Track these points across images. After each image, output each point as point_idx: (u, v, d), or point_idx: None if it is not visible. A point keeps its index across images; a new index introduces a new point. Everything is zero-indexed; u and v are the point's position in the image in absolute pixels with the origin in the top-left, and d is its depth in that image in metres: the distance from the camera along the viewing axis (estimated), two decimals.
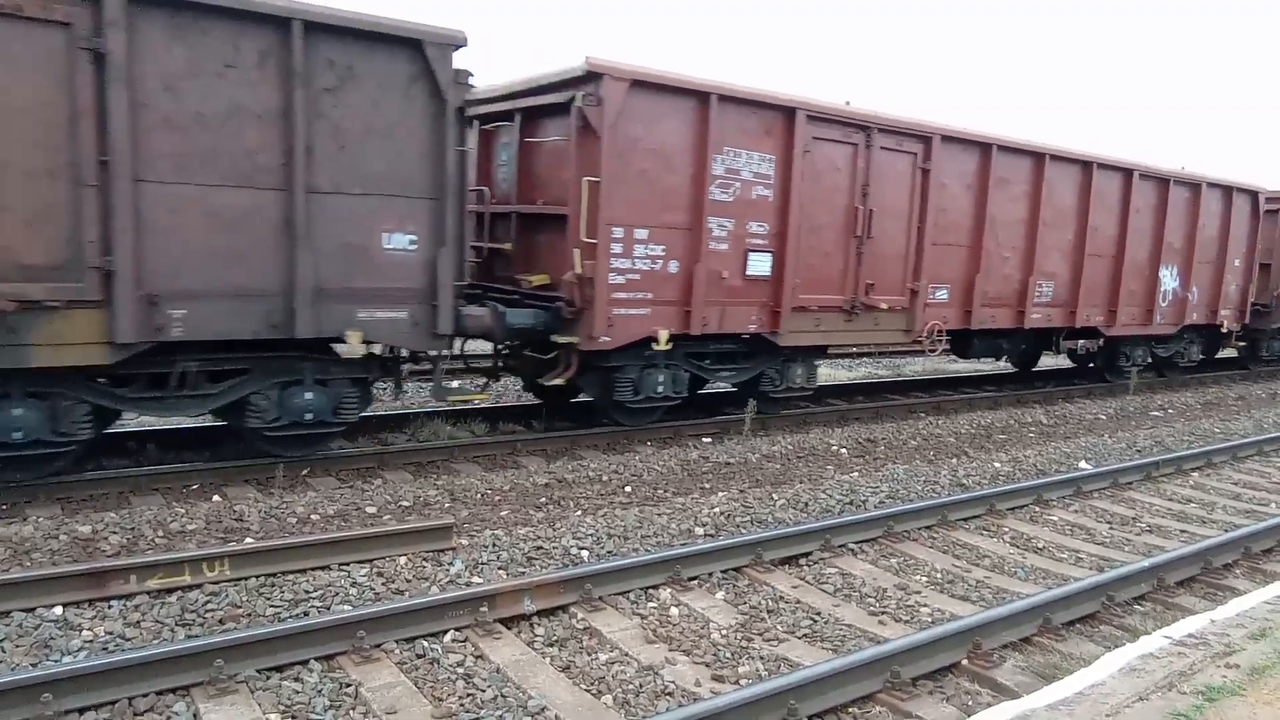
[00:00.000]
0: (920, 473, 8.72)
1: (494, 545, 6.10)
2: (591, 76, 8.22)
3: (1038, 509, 7.81)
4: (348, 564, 5.67)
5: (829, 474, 8.78)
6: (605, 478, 8.20)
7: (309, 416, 7.51)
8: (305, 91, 6.83)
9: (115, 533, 6.10)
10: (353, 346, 7.44)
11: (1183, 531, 7.43)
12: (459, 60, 7.46)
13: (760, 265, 9.69)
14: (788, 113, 9.56)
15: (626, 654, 4.78)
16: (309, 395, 7.49)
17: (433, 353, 8.06)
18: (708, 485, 8.23)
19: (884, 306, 10.87)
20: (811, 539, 6.40)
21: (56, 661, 4.33)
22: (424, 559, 5.85)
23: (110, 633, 4.66)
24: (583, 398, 10.25)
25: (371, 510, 6.96)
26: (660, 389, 9.44)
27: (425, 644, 4.71)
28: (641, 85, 8.44)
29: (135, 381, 7.04)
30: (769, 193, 9.58)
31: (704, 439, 9.98)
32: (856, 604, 5.62)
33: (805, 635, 5.14)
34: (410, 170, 7.40)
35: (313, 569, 5.56)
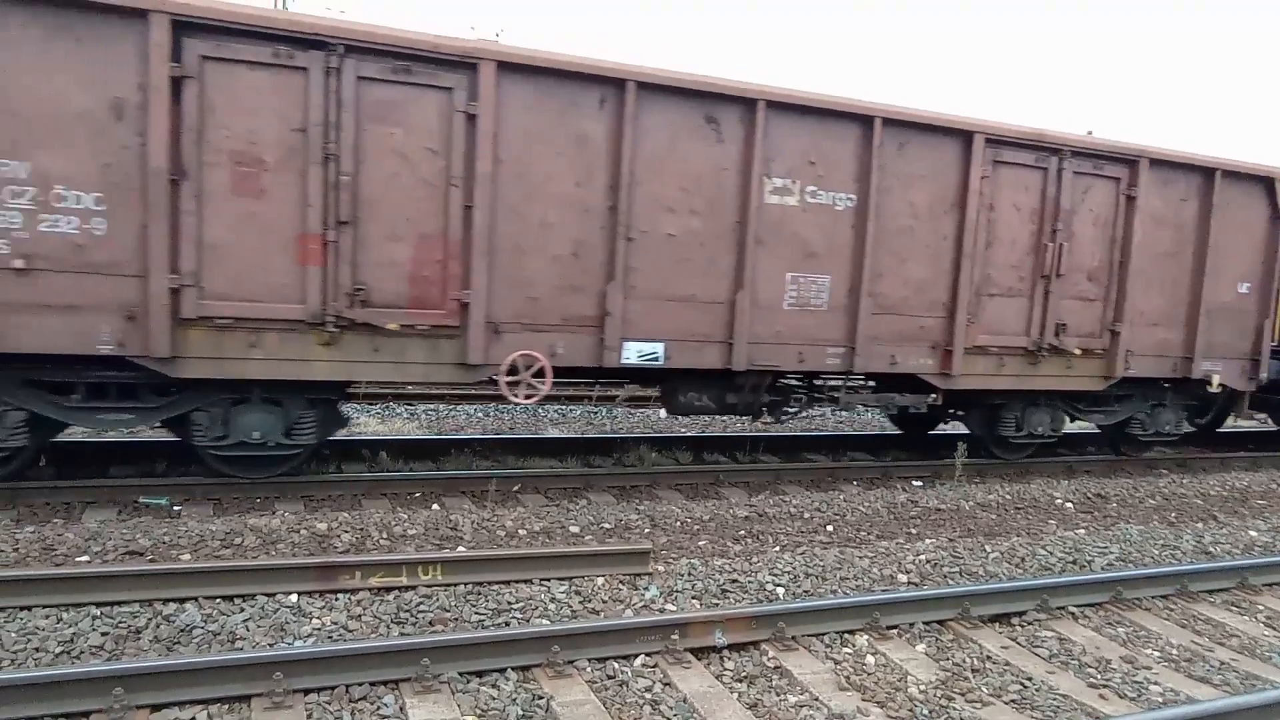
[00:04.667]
0: (1158, 535, 7.91)
1: (689, 574, 6.12)
2: None
3: None
4: (549, 579, 5.88)
5: (1050, 529, 8.15)
6: (807, 515, 8.03)
7: None
8: None
9: (346, 531, 6.65)
10: None
11: None
12: None
13: None
14: None
15: (816, 698, 4.63)
16: None
17: None
18: (914, 530, 7.86)
19: None
20: (1026, 597, 5.95)
21: (289, 645, 4.77)
22: (620, 581, 5.96)
23: (335, 623, 5.07)
24: None
25: (575, 529, 7.18)
26: None
27: (616, 665, 4.78)
28: None
29: None
30: None
31: (914, 482, 9.57)
32: (1074, 673, 5.16)
33: (1013, 701, 4.78)
34: None
35: (516, 581, 5.81)
